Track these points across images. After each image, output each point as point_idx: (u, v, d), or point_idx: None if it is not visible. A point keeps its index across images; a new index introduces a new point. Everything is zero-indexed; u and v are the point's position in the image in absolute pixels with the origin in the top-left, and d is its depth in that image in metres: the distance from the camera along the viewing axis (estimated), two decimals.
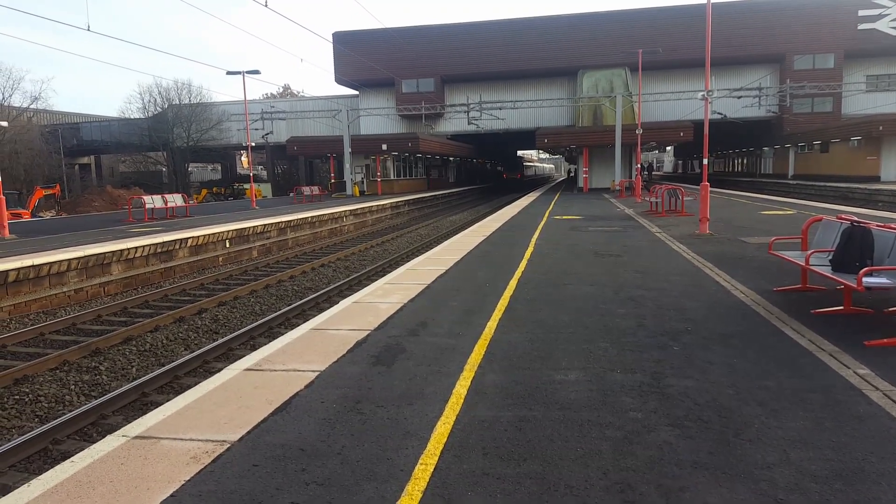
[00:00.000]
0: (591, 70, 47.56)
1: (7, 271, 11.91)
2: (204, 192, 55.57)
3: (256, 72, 30.89)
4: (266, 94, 77.70)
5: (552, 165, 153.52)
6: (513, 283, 8.79)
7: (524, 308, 7.27)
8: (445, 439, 3.84)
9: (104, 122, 63.12)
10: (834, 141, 41.85)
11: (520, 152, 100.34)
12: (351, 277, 14.37)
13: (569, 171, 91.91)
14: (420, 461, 3.56)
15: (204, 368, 8.22)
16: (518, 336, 6.09)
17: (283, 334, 9.51)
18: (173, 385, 7.61)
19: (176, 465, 3.56)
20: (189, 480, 3.38)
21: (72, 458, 3.67)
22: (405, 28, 51.18)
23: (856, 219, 6.92)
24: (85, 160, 65.85)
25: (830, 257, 6.81)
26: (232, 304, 12.24)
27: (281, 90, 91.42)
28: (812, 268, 6.79)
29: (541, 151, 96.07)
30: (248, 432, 4.01)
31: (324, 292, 12.62)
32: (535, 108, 47.71)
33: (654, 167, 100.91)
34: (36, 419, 6.82)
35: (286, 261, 18.46)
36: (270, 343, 6.27)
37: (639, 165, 34.42)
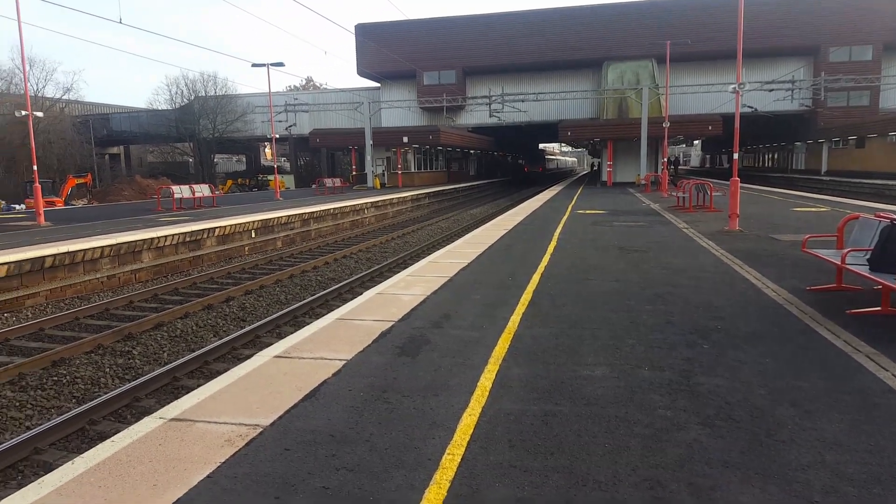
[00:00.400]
0: (616, 62, 47.00)
1: (44, 257, 12.23)
2: (229, 182, 56.28)
3: (280, 64, 31.17)
4: (289, 87, 78.30)
5: (575, 159, 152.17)
6: (536, 278, 8.77)
7: (548, 303, 7.25)
8: (472, 430, 3.86)
9: (133, 113, 64.17)
10: (871, 136, 40.80)
11: (542, 145, 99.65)
12: (373, 269, 14.46)
13: (592, 165, 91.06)
14: (447, 451, 3.59)
15: (232, 355, 8.37)
16: (542, 331, 6.08)
17: (308, 323, 9.64)
18: (203, 370, 7.77)
19: (211, 447, 3.65)
20: (224, 462, 3.47)
21: (112, 438, 3.79)
22: (427, 20, 51.10)
23: None
24: (115, 150, 67.08)
25: (868, 256, 6.67)
26: (258, 292, 12.41)
27: (304, 82, 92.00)
28: (848, 267, 6.66)
29: (563, 144, 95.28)
30: (280, 417, 4.08)
31: (346, 283, 12.73)
32: (559, 101, 47.26)
33: (681, 161, 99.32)
34: (73, 400, 7.02)
35: (309, 251, 18.65)
36: (298, 331, 6.35)
37: (665, 159, 33.99)
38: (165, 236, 15.10)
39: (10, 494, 4.84)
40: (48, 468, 5.43)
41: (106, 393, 6.99)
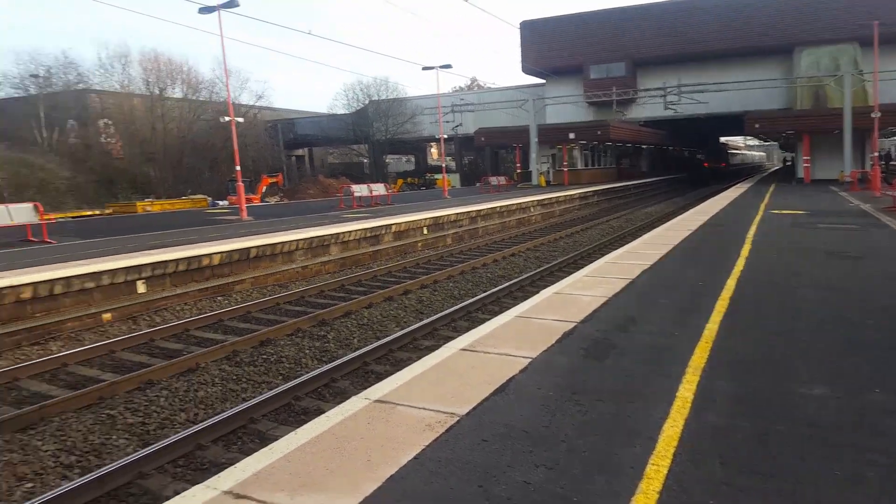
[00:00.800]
0: (810, 47, 41.90)
1: (249, 248, 13.85)
2: (400, 181, 59.47)
3: (448, 66, 32.21)
4: (455, 88, 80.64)
5: (763, 153, 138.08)
6: (730, 283, 8.08)
7: (748, 311, 6.64)
8: (676, 442, 3.65)
9: (315, 118, 70.14)
10: None
11: (723, 139, 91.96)
12: (542, 268, 14.37)
13: (784, 160, 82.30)
14: (650, 461, 3.43)
15: (413, 345, 8.80)
16: (745, 341, 5.58)
17: (482, 318, 9.84)
18: (388, 357, 8.27)
19: (414, 430, 3.84)
20: (428, 446, 3.63)
21: (326, 414, 4.15)
22: (595, 12, 49.60)
23: None
24: (300, 152, 73.95)
25: None
26: (433, 287, 12.95)
27: (469, 82, 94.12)
28: None
29: (748, 138, 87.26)
30: (473, 409, 4.19)
31: (516, 281, 12.79)
32: (743, 91, 43.11)
33: (893, 156, 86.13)
34: (280, 377, 7.83)
35: (478, 248, 19.05)
36: (480, 326, 6.50)
37: (875, 154, 29.70)
38: (350, 231, 16.36)
39: (240, 458, 5.51)
40: (262, 437, 6.11)
41: (307, 372, 7.70)
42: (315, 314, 10.35)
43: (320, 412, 6.54)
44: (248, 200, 36.76)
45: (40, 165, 43.01)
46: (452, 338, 8.85)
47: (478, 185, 44.12)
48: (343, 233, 16.16)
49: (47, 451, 5.87)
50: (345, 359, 7.85)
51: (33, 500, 4.80)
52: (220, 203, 40.12)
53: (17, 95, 50.88)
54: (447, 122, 47.62)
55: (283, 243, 14.61)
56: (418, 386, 4.65)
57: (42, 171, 42.57)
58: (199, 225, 19.70)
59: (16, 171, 40.67)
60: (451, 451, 3.59)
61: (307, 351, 8.75)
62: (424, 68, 33.73)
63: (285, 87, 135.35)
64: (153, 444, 5.79)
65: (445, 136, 41.63)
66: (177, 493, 5.04)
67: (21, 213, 16.72)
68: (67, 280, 10.56)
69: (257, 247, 14.06)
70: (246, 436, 6.19)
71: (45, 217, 17.72)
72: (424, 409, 4.18)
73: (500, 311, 9.83)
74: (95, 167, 48.01)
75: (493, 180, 38.71)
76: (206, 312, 11.22)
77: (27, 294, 9.99)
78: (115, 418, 6.58)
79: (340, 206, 26.86)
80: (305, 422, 6.27)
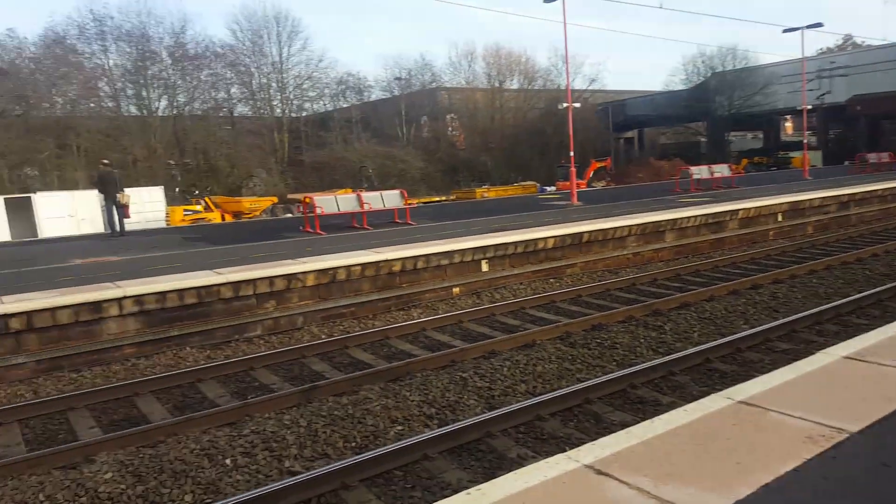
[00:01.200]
0: None
1: (581, 233, 14.03)
2: (744, 161, 53.39)
3: (818, 24, 27.37)
4: (820, 49, 68.18)
5: None
6: None
7: None
8: None
9: (647, 97, 67.01)
10: None
11: None
12: None
13: None
14: None
15: (766, 346, 7.73)
16: None
17: (857, 324, 8.19)
18: (735, 357, 7.41)
19: (790, 440, 3.31)
20: (810, 460, 3.09)
21: (684, 408, 3.87)
22: None
23: None
24: (629, 134, 71.87)
25: None
26: (789, 282, 11.23)
27: (841, 41, 78.57)
28: None
29: None
30: (868, 427, 3.42)
31: None
32: None
33: None
34: (613, 363, 7.69)
35: (849, 240, 15.91)
36: (867, 333, 5.34)
37: None
38: (687, 217, 15.34)
39: (576, 435, 5.59)
40: (598, 419, 6.07)
41: (642, 362, 7.37)
42: (648, 303, 9.92)
43: (657, 404, 6.26)
44: (577, 185, 37.55)
45: (400, 157, 50.90)
46: (816, 342, 7.60)
47: (847, 163, 36.76)
48: (680, 218, 15.19)
49: (413, 400, 6.75)
50: (684, 353, 7.30)
51: (404, 440, 5.59)
52: (548, 189, 41.61)
53: (384, 97, 60.89)
54: (810, 90, 40.73)
55: (614, 229, 14.42)
56: (791, 392, 4.00)
57: (402, 162, 50.38)
58: (532, 210, 20.76)
59: (382, 162, 49.05)
60: (842, 470, 2.99)
61: (641, 340, 8.40)
62: (786, 30, 29.13)
63: (618, 66, 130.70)
64: (499, 408, 6.22)
65: (809, 107, 35.61)
66: (520, 456, 5.37)
67: (391, 199, 19.93)
68: (427, 257, 12.18)
69: (589, 232, 14.16)
70: (581, 415, 6.21)
71: (408, 202, 20.79)
72: (802, 418, 3.56)
73: (885, 317, 8.01)
74: (443, 157, 54.85)
75: (873, 157, 31.75)
76: (539, 293, 11.70)
77: (397, 267, 11.84)
78: (467, 381, 7.26)
79: (676, 189, 25.37)
80: (641, 411, 6.12)
